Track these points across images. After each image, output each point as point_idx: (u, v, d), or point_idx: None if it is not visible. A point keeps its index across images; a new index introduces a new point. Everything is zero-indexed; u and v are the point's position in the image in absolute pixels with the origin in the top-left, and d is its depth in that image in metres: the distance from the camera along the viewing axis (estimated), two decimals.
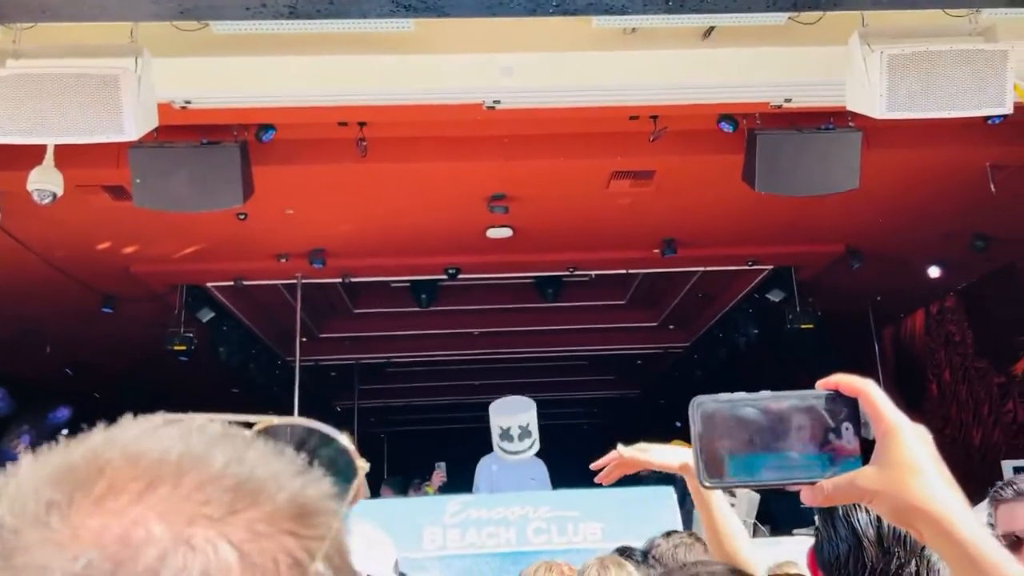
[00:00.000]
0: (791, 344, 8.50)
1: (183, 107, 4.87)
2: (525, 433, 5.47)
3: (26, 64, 4.31)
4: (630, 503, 4.68)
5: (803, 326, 8.13)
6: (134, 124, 4.39)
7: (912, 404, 9.72)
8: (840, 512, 1.23)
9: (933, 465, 0.80)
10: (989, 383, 8.93)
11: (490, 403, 5.97)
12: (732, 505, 5.17)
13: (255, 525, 0.42)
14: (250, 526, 0.41)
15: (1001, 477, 7.23)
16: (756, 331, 9.17)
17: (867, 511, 1.20)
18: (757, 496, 5.14)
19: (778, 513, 5.43)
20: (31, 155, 5.10)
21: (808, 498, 0.83)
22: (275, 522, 0.42)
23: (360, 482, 0.49)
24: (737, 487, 0.82)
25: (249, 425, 0.50)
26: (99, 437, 0.44)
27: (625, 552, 3.18)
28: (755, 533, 5.02)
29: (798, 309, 8.21)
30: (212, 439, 0.45)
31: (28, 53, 4.40)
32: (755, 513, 5.00)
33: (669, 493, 4.80)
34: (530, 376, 13.05)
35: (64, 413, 10.93)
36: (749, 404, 0.83)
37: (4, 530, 0.39)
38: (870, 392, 0.83)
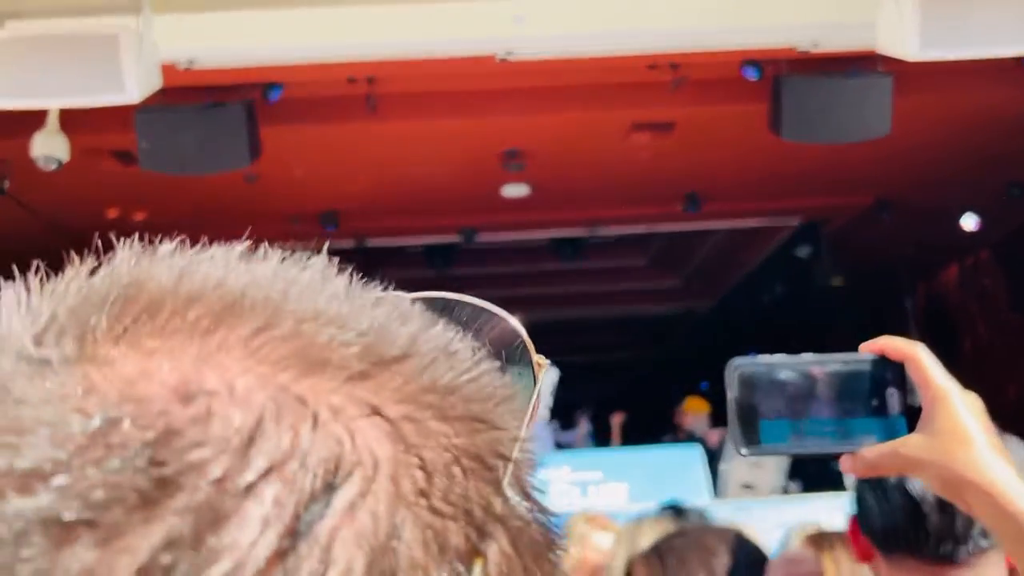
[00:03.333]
0: (820, 301, 8.30)
1: (188, 67, 4.75)
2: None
3: (24, 25, 4.20)
4: (655, 463, 4.56)
5: (832, 282, 7.93)
6: (136, 85, 4.28)
7: (945, 360, 9.49)
8: (891, 479, 1.14)
9: (984, 435, 0.76)
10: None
11: None
12: (758, 465, 5.04)
13: (417, 403, 0.25)
14: (408, 401, 0.25)
15: None
16: (783, 289, 8.97)
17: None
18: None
19: (811, 469, 5.29)
20: (37, 121, 5.03)
21: (849, 467, 0.78)
22: (447, 412, 0.25)
23: (541, 387, 0.33)
24: (774, 455, 0.82)
25: None
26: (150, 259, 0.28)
27: (679, 512, 2.98)
28: (785, 491, 4.90)
29: (826, 265, 8.00)
30: (335, 279, 0.29)
31: (27, 13, 4.30)
32: (784, 472, 4.86)
33: (696, 452, 4.67)
34: (551, 340, 12.91)
35: None
36: (789, 367, 0.78)
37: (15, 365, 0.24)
38: (918, 356, 0.79)
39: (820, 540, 2.01)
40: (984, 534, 1.10)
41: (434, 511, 0.23)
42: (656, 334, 13.18)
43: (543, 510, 0.29)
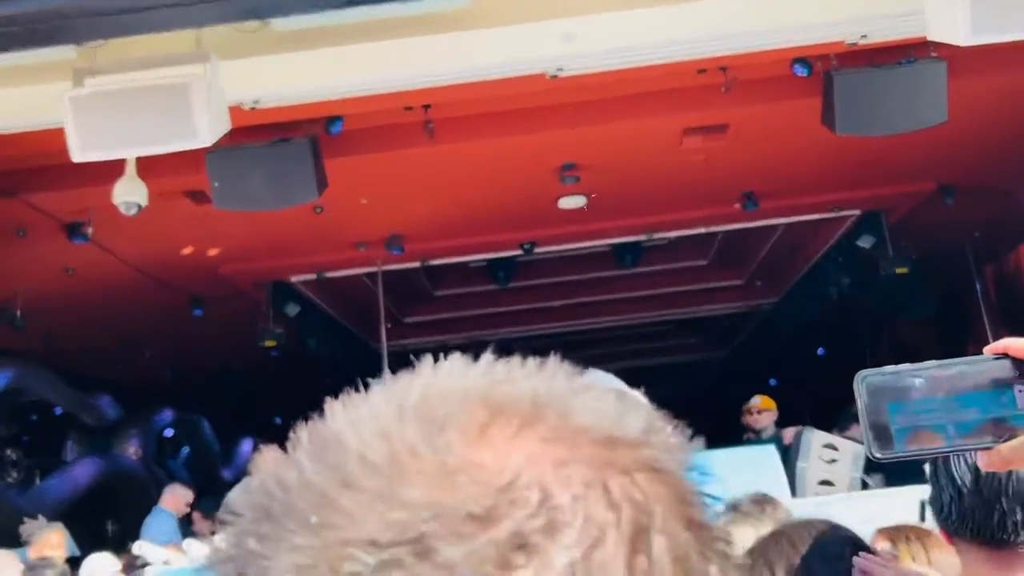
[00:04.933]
0: (886, 291, 8.19)
1: (253, 107, 4.95)
2: None
3: (101, 81, 4.43)
4: (733, 464, 4.59)
5: (898, 271, 7.81)
6: (207, 129, 4.48)
7: None
8: (941, 461, 1.20)
9: None
10: None
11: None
12: (835, 461, 5.03)
13: (656, 469, 0.37)
14: (650, 467, 0.37)
15: None
16: (848, 280, 8.86)
17: (966, 460, 1.16)
18: (862, 449, 4.98)
19: (889, 464, 5.25)
20: (115, 169, 5.27)
21: (985, 463, 0.82)
22: (675, 470, 0.39)
23: None
24: (909, 459, 0.82)
25: None
26: (437, 375, 0.40)
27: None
28: (864, 486, 4.88)
29: (891, 253, 7.89)
30: (565, 378, 0.41)
31: (103, 69, 4.53)
32: (861, 467, 4.85)
33: (772, 452, 4.69)
34: (615, 345, 12.94)
35: (167, 415, 11.37)
36: (915, 374, 0.82)
37: (386, 460, 0.35)
38: None
39: (896, 533, 2.05)
40: None
41: (692, 532, 0.37)
42: (722, 333, 13.09)
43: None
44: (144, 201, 5.32)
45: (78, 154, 4.49)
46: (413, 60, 4.72)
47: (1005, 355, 0.83)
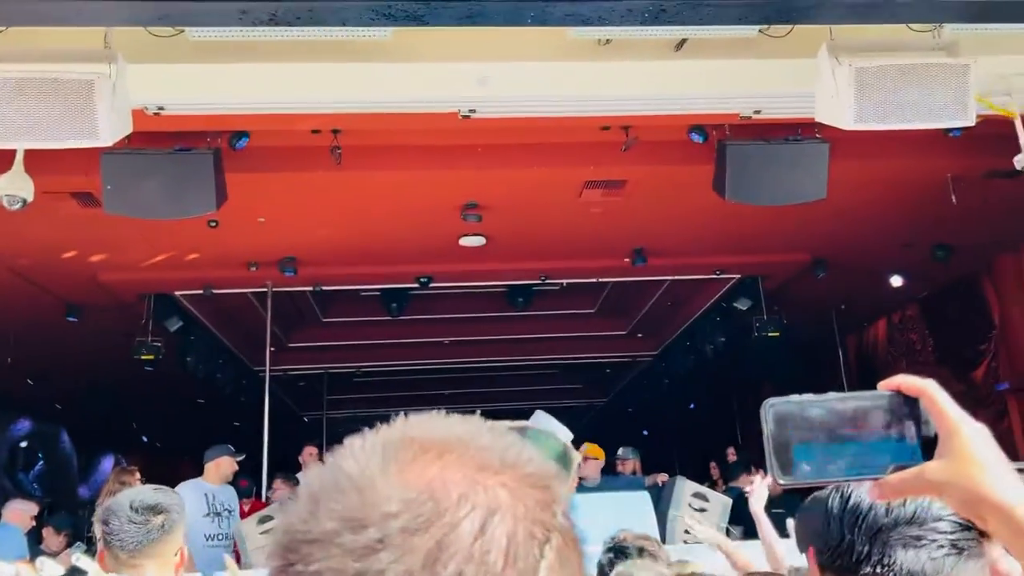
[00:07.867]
0: (757, 352, 8.63)
1: (156, 113, 4.84)
2: None
3: (1, 67, 4.26)
4: (605, 507, 4.72)
5: (769, 334, 8.26)
6: (108, 130, 4.35)
7: None
8: (820, 493, 1.26)
9: (998, 459, 0.84)
10: (950, 391, 9.08)
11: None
12: (703, 510, 5.25)
13: (518, 481, 0.58)
14: (515, 480, 0.58)
15: None
16: (723, 339, 9.29)
17: (840, 490, 1.22)
18: (729, 501, 5.22)
19: (748, 517, 5.51)
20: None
21: (875, 493, 0.87)
22: (530, 482, 0.59)
23: (575, 470, 0.68)
24: (807, 484, 0.88)
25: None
26: (405, 423, 0.62)
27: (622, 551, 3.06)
28: (728, 535, 5.10)
29: (764, 317, 8.35)
30: (481, 426, 0.63)
31: (3, 56, 4.35)
32: (728, 518, 5.07)
33: (645, 498, 4.85)
34: (500, 385, 13.05)
35: (24, 425, 10.71)
36: (817, 405, 0.88)
37: (361, 477, 0.56)
38: (931, 392, 0.87)
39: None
40: (882, 564, 1.17)
41: (530, 522, 0.56)
42: (603, 380, 13.39)
43: (575, 525, 0.61)
44: (30, 197, 5.07)
45: None
46: (329, 84, 4.73)
47: (898, 391, 0.89)
